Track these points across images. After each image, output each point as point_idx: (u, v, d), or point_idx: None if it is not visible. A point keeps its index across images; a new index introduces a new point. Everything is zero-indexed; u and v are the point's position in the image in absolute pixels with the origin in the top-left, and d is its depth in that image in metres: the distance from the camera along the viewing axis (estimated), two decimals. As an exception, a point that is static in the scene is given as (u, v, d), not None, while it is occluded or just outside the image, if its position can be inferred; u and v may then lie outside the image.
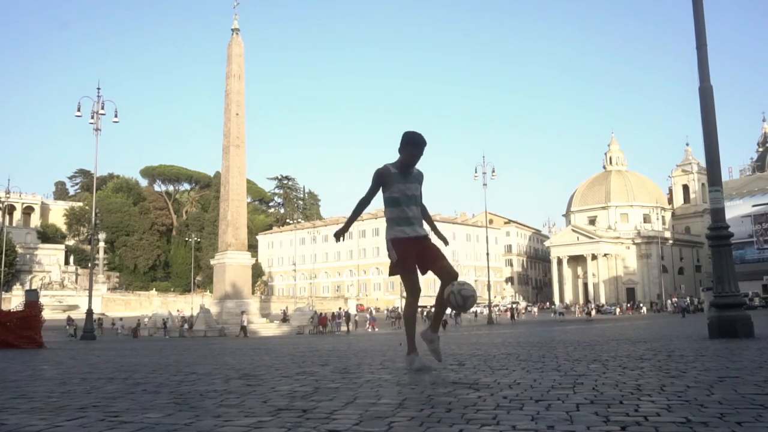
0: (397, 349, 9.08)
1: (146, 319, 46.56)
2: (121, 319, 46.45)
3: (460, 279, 4.71)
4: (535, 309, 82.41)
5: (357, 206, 4.85)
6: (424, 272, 4.85)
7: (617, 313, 69.30)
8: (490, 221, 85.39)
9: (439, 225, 5.29)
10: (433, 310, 5.18)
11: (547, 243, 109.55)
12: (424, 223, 4.95)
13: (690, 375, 4.20)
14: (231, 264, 40.38)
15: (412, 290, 4.81)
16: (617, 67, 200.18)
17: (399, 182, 4.75)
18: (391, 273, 4.88)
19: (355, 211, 4.91)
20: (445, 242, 5.24)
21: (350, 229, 5.20)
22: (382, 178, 4.76)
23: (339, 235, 5.02)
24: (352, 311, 54.54)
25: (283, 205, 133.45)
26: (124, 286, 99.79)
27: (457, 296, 4.51)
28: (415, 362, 4.74)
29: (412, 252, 4.75)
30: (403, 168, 4.78)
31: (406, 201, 4.77)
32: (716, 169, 9.63)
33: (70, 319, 41.11)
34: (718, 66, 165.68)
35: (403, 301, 5.29)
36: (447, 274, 4.68)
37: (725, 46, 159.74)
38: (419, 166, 4.87)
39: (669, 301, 71.36)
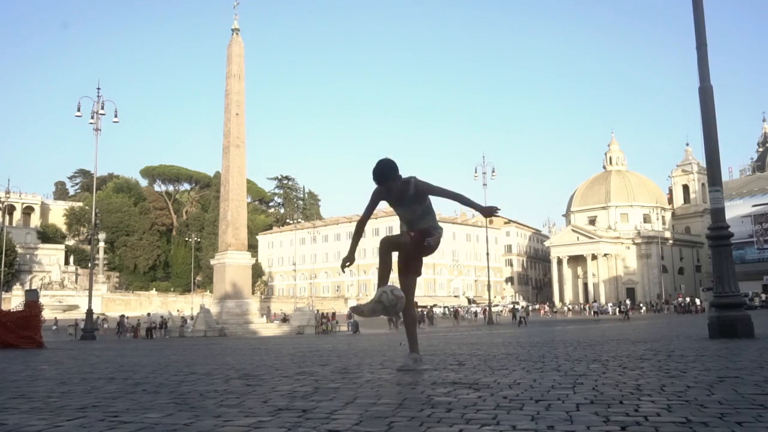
0: (397, 349, 9.07)
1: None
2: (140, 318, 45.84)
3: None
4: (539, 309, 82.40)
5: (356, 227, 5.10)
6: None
7: (617, 313, 69.48)
8: (490, 221, 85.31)
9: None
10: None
11: (547, 243, 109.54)
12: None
13: (690, 375, 4.20)
14: (231, 264, 40.38)
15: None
16: (617, 67, 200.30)
17: (396, 207, 4.86)
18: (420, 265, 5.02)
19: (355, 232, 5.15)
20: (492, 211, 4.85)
21: (349, 230, 5.20)
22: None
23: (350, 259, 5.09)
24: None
25: (283, 205, 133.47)
26: (124, 286, 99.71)
27: (389, 295, 4.51)
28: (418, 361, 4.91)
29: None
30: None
31: (408, 225, 4.89)
32: (716, 169, 9.63)
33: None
34: (718, 66, 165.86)
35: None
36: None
37: (725, 46, 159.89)
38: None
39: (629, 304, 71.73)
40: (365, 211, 4.92)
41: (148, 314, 40.47)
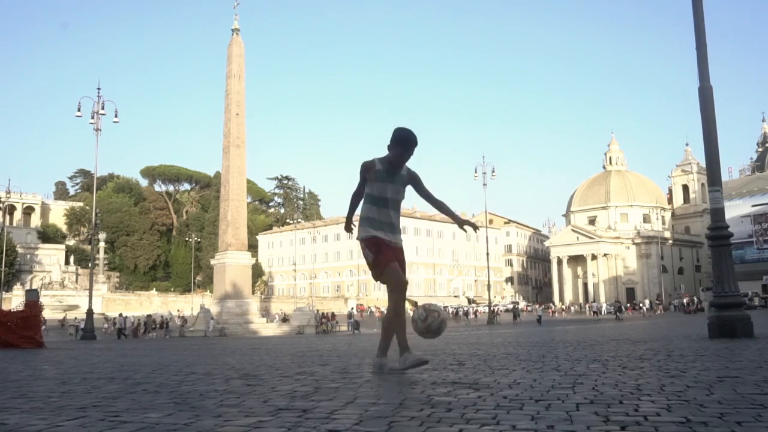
0: (397, 349, 9.06)
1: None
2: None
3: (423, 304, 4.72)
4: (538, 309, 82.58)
5: (351, 200, 4.68)
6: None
7: (615, 314, 69.43)
8: (490, 221, 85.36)
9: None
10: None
11: (547, 243, 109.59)
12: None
13: (690, 375, 4.20)
14: (231, 264, 40.41)
15: (399, 284, 4.47)
16: (617, 67, 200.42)
17: (382, 180, 4.51)
18: (377, 276, 4.52)
19: (351, 205, 4.73)
20: (473, 228, 4.89)
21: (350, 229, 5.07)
22: (365, 172, 4.52)
23: (347, 228, 4.94)
24: (354, 311, 54.59)
25: (283, 205, 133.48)
26: (124, 286, 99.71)
27: (436, 316, 4.54)
28: (409, 359, 4.55)
29: (391, 252, 4.47)
30: (391, 166, 4.50)
31: (384, 203, 4.52)
32: (716, 169, 9.63)
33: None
34: (718, 66, 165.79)
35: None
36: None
37: (725, 46, 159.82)
38: (411, 165, 4.63)
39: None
40: (357, 188, 4.65)
41: (120, 314, 40.58)
